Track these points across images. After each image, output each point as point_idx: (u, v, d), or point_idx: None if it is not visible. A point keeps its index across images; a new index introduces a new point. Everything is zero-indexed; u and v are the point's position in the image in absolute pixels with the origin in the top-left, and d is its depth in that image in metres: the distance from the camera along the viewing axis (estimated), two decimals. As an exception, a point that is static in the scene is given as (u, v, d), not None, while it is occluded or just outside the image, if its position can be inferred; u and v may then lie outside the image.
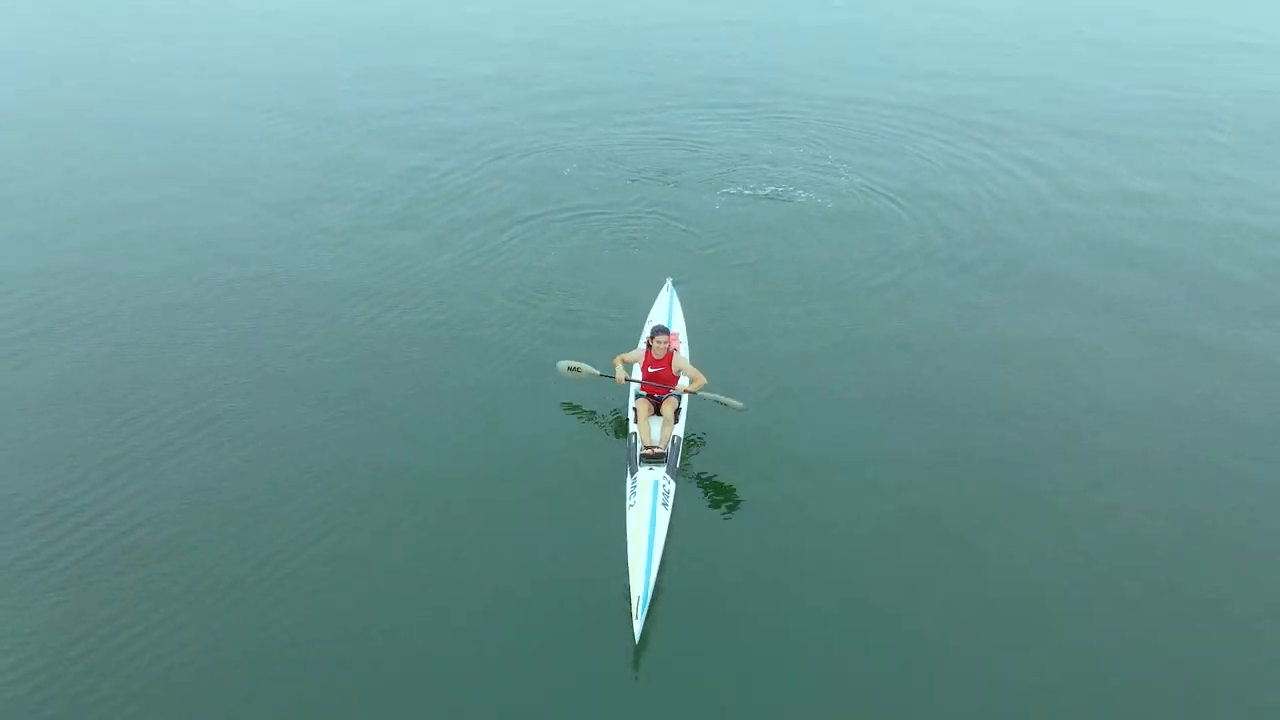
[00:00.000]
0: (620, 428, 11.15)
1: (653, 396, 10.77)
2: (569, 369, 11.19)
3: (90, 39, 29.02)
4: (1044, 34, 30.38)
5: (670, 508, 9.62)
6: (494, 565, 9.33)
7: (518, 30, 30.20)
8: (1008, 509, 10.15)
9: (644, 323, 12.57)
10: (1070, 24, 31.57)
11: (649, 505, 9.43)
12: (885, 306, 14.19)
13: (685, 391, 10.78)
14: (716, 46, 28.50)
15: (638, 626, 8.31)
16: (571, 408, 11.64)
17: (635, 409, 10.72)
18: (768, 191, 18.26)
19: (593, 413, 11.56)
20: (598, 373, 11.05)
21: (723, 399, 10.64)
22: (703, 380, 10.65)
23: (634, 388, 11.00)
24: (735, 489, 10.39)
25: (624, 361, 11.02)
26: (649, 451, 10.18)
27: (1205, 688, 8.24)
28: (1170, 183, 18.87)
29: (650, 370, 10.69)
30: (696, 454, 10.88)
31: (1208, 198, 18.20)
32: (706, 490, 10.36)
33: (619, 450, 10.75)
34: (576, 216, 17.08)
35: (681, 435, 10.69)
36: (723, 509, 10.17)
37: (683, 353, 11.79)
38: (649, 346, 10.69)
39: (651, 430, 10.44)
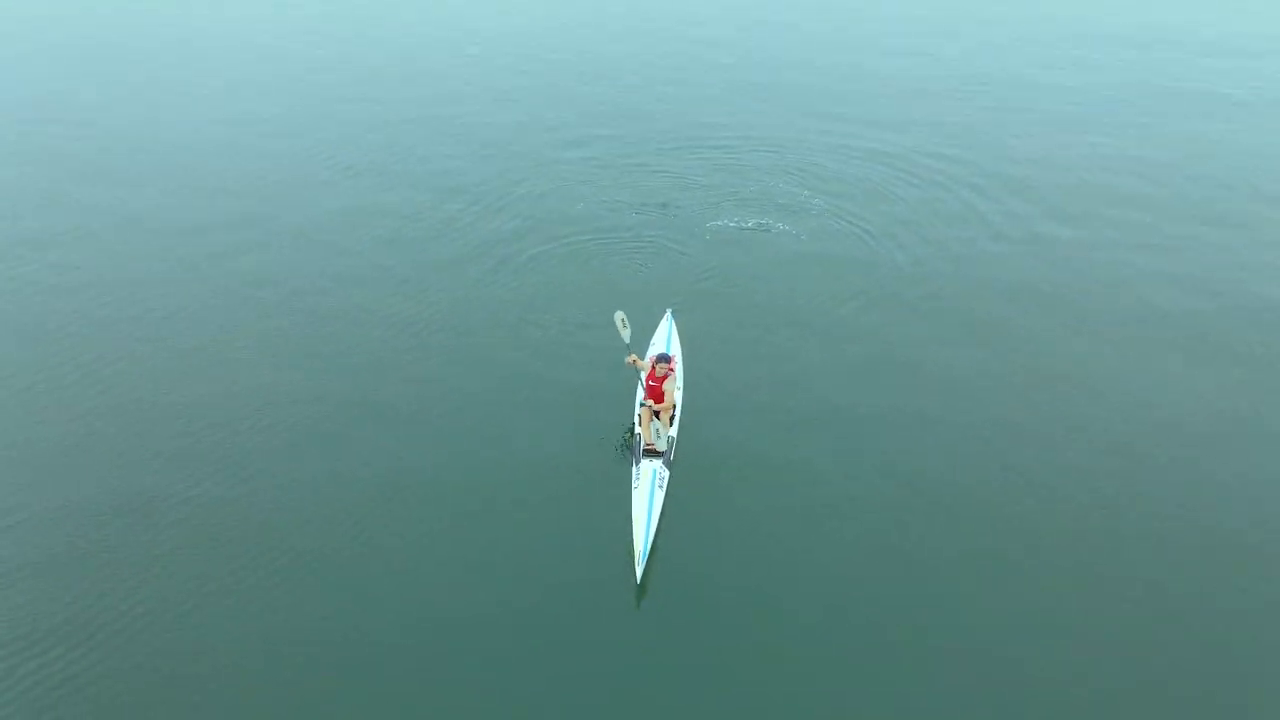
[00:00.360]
0: (628, 432, 14.11)
1: (653, 398, 13.67)
2: (621, 321, 14.11)
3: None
4: (1005, 79, 33.66)
5: (665, 490, 12.63)
6: (526, 531, 12.33)
7: (531, 77, 33.60)
8: (976, 490, 13.13)
9: (648, 344, 15.56)
10: (1024, 71, 34.88)
11: (649, 487, 12.44)
12: (848, 326, 17.33)
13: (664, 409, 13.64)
14: (706, 94, 31.88)
15: (639, 572, 11.34)
16: (586, 417, 14.61)
17: (640, 415, 13.70)
18: (751, 225, 21.45)
19: (603, 421, 14.53)
20: (627, 342, 14.02)
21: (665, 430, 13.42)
22: (672, 404, 13.65)
23: (639, 397, 13.98)
24: (719, 480, 13.38)
25: (636, 363, 13.93)
26: (650, 449, 13.16)
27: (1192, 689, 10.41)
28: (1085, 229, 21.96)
29: (650, 384, 13.67)
30: (688, 454, 13.85)
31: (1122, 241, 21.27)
32: (695, 479, 13.33)
33: (625, 450, 13.75)
34: (587, 244, 20.27)
35: (675, 436, 13.68)
36: (708, 494, 13.14)
37: (676, 374, 14.72)
38: (653, 367, 13.66)
39: (651, 431, 13.41)
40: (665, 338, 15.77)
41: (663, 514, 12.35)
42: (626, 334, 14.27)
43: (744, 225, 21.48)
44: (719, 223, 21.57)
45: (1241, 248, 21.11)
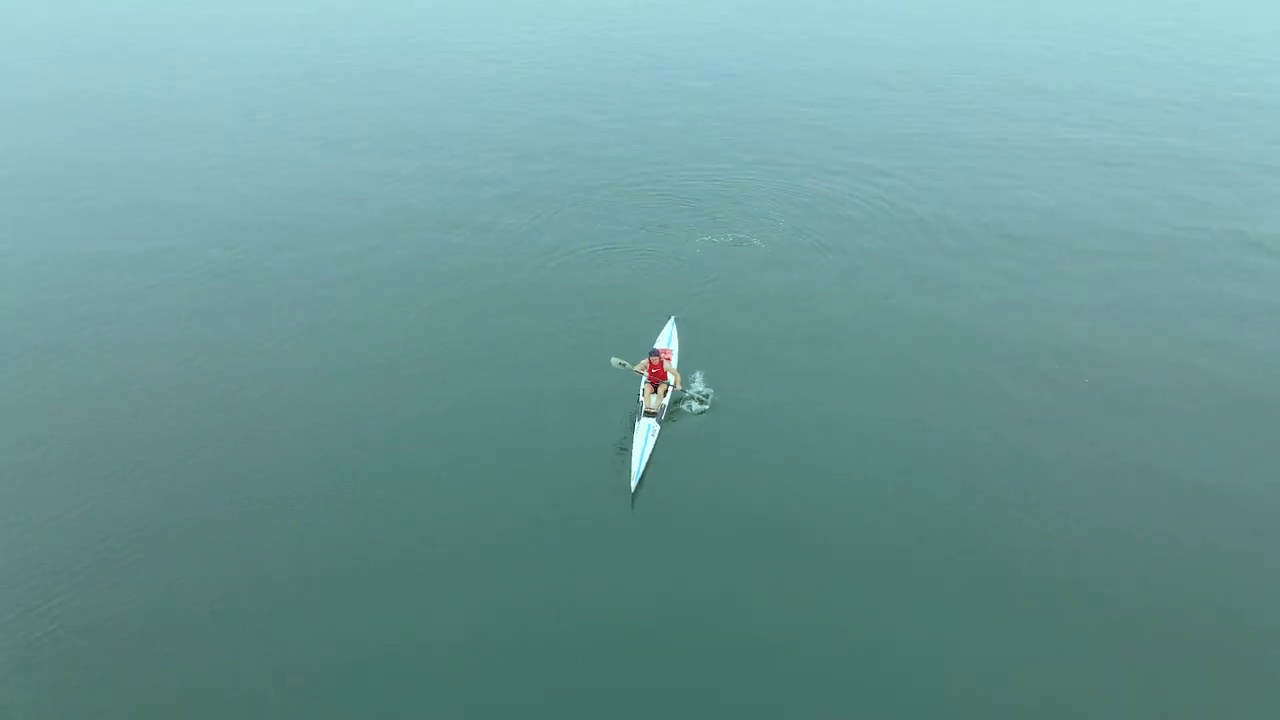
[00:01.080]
0: (633, 405, 19.47)
1: (653, 382, 19.04)
2: (618, 363, 19.45)
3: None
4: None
5: (656, 438, 17.95)
6: (555, 461, 17.72)
7: (555, 104, 39.62)
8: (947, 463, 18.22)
9: (653, 342, 20.93)
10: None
11: (645, 436, 17.78)
12: (812, 315, 22.61)
13: (671, 384, 19.02)
14: (705, 125, 37.61)
15: (633, 486, 16.72)
16: (599, 397, 19.96)
17: (643, 388, 19.06)
18: (729, 239, 26.88)
19: (610, 399, 19.86)
20: (634, 369, 19.36)
21: (684, 390, 18.91)
22: (679, 378, 19.05)
23: (643, 379, 19.34)
24: (697, 433, 18.65)
25: (636, 371, 19.31)
26: (648, 411, 18.49)
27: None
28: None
29: (651, 372, 19.03)
30: (674, 419, 19.13)
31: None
32: (679, 434, 18.61)
33: (629, 417, 19.10)
34: (601, 255, 25.90)
35: (666, 404, 18.99)
36: (688, 444, 18.40)
37: (673, 362, 20.06)
38: (649, 361, 19.03)
39: (650, 400, 18.74)
40: (667, 338, 21.11)
41: (652, 455, 17.66)
42: (626, 365, 19.35)
43: (725, 241, 26.96)
44: (708, 238, 27.09)
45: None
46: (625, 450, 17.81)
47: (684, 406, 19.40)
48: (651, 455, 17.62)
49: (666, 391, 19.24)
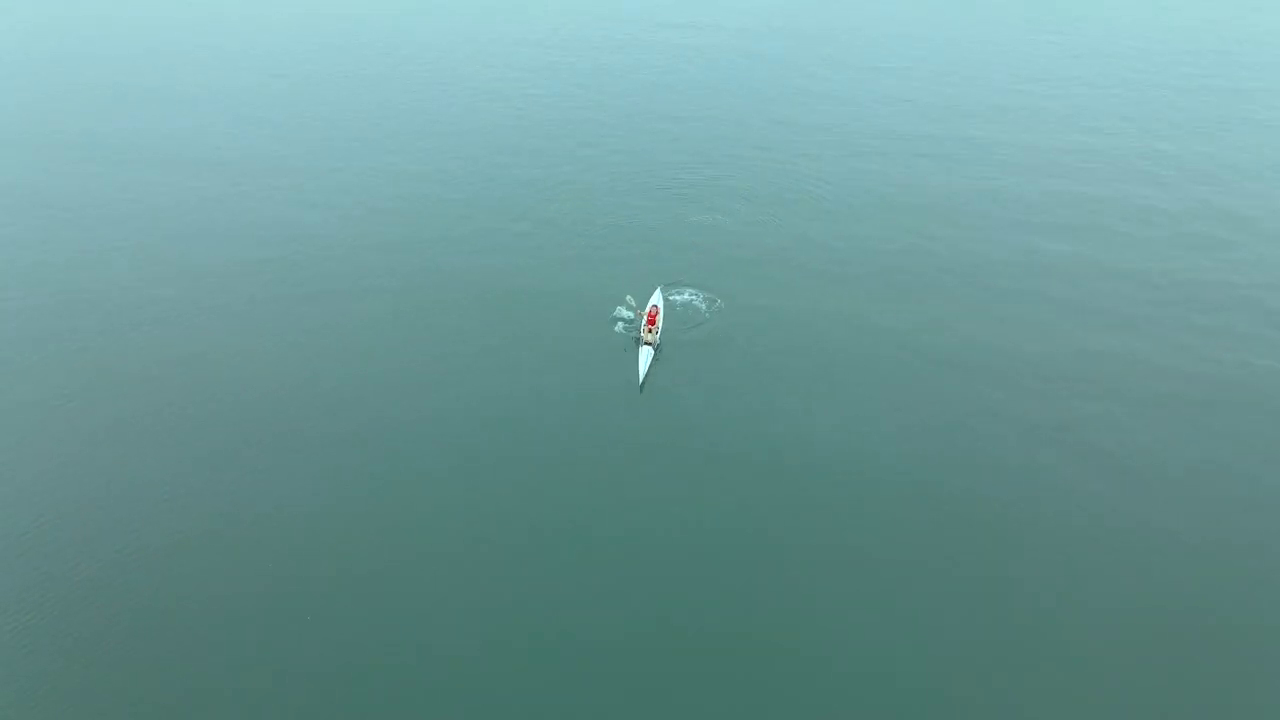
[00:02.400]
0: (635, 336, 31.44)
1: (650, 324, 31.03)
2: (630, 301, 31.43)
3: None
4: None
5: (652, 358, 30.08)
6: (577, 370, 29.85)
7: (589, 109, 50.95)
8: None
9: (648, 301, 32.83)
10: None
11: (645, 356, 29.97)
12: (763, 275, 34.66)
13: (658, 328, 31.15)
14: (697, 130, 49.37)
15: (639, 382, 29.47)
16: (608, 331, 31.85)
17: (643, 327, 31.12)
18: (708, 220, 38.80)
19: (618, 332, 31.77)
20: (639, 311, 31.40)
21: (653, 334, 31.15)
22: (657, 325, 31.19)
23: (643, 321, 31.31)
24: (684, 356, 30.75)
25: (639, 313, 31.34)
26: (646, 342, 30.51)
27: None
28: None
29: (650, 318, 31.13)
30: (666, 350, 31.11)
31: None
32: (670, 358, 30.65)
33: (633, 342, 31.08)
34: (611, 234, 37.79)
35: (658, 339, 31.02)
36: (677, 362, 30.47)
37: (660, 311, 32.07)
38: (649, 312, 31.06)
39: (646, 335, 30.77)
40: (657, 299, 33.09)
41: (650, 368, 29.69)
42: (633, 304, 31.48)
43: (703, 221, 38.95)
44: (693, 219, 39.09)
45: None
46: (633, 364, 29.82)
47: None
48: (650, 366, 29.69)
49: (656, 333, 31.24)
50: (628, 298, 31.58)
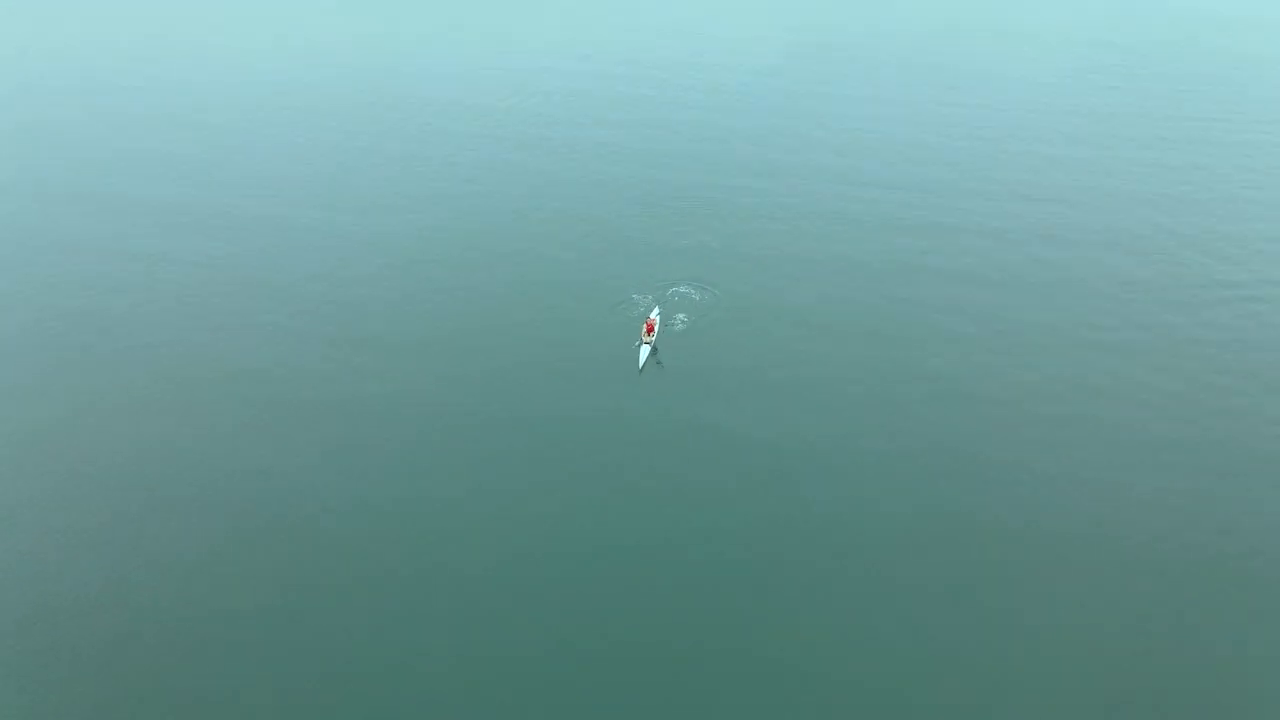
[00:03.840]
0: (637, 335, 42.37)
1: (648, 331, 41.93)
2: (647, 323, 42.40)
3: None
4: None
5: (649, 350, 40.98)
6: (587, 361, 40.59)
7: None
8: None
9: (648, 314, 43.78)
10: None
11: (645, 350, 40.84)
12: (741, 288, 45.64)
13: (654, 336, 42.07)
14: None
15: (640, 366, 40.43)
16: (615, 328, 42.68)
17: (642, 333, 42.00)
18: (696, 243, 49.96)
19: (624, 330, 42.62)
20: (647, 330, 42.39)
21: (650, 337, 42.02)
22: (654, 330, 42.15)
23: (644, 326, 42.26)
24: (677, 351, 41.58)
25: (649, 325, 42.31)
26: (645, 340, 41.41)
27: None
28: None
29: (648, 325, 42.07)
30: (663, 347, 41.92)
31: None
32: (666, 351, 41.46)
33: (635, 342, 41.93)
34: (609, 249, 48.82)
35: (655, 340, 41.90)
36: (672, 354, 41.28)
37: (656, 322, 42.99)
38: (649, 322, 42.02)
39: (645, 337, 41.64)
40: (654, 313, 44.02)
41: (648, 357, 40.51)
42: (654, 318, 42.52)
43: (706, 244, 50.00)
44: (686, 241, 50.09)
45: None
46: (634, 355, 40.61)
47: (671, 324, 43.15)
48: (647, 357, 40.49)
49: (653, 337, 42.16)
50: (645, 312, 43.14)
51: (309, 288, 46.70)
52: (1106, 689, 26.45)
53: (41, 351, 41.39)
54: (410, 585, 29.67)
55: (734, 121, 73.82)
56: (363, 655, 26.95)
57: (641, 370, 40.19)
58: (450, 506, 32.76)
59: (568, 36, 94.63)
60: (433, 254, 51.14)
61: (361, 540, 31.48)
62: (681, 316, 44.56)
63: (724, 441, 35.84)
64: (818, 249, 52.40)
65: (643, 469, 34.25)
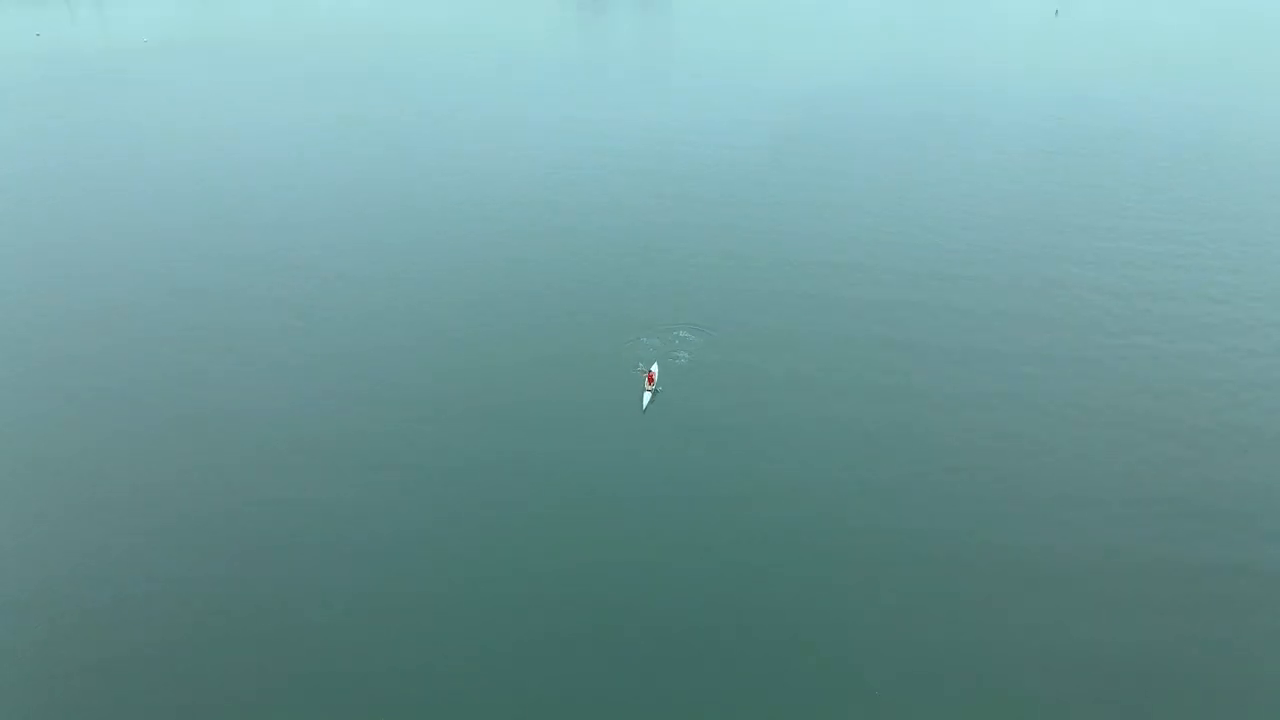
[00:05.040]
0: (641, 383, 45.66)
1: (649, 382, 45.30)
2: (646, 373, 45.72)
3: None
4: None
5: (653, 397, 44.12)
6: (596, 402, 43.75)
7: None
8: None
9: (650, 366, 47.23)
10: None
11: (649, 395, 44.02)
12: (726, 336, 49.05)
13: (657, 385, 45.40)
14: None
15: (644, 406, 43.23)
16: (622, 379, 46.07)
17: (644, 383, 45.27)
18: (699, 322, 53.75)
19: (629, 380, 45.95)
20: (646, 372, 45.70)
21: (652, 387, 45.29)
22: (655, 380, 45.46)
23: (645, 377, 45.65)
24: (676, 396, 44.70)
25: (650, 376, 45.67)
26: (648, 388, 44.68)
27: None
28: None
29: (650, 376, 45.41)
30: (663, 394, 45.13)
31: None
32: (667, 400, 44.60)
33: (639, 390, 45.19)
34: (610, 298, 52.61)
35: (658, 387, 45.16)
36: (671, 401, 44.40)
37: (656, 374, 46.39)
38: (650, 373, 45.42)
39: (647, 385, 44.91)
40: (654, 367, 47.50)
41: (650, 399, 43.68)
42: (653, 370, 46.02)
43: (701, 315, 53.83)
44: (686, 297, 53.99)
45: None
46: (639, 399, 43.78)
47: (672, 359, 46.56)
48: (650, 399, 43.65)
49: (655, 385, 45.45)
50: (639, 366, 46.34)
51: (317, 326, 50.37)
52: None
53: (178, 445, 45.00)
54: (411, 623, 31.58)
55: (736, 187, 79.93)
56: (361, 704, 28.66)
57: (645, 409, 43.36)
58: (461, 544, 35.62)
59: (570, 117, 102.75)
60: (445, 299, 55.91)
61: (361, 579, 33.54)
62: (684, 354, 48.53)
63: (719, 478, 38.90)
64: (814, 297, 56.53)
65: (644, 503, 37.21)
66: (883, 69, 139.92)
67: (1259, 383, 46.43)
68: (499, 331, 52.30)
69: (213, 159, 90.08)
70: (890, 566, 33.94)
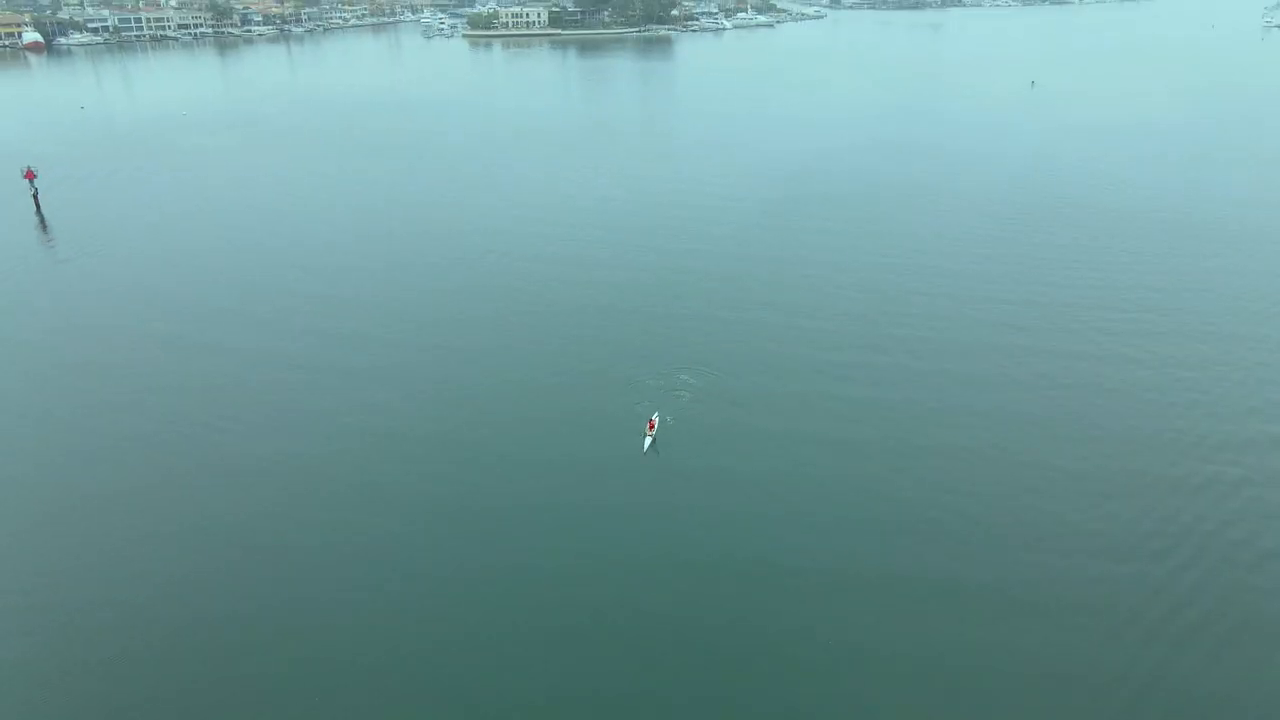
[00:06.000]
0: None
1: (650, 428, 53.45)
2: (647, 421, 53.87)
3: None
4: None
5: (653, 442, 52.23)
6: (600, 442, 51.85)
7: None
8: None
9: (650, 416, 55.32)
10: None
11: (649, 439, 52.14)
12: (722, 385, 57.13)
13: (653, 427, 53.53)
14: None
15: (645, 449, 51.28)
16: (628, 418, 54.17)
17: (649, 425, 53.37)
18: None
19: (635, 419, 54.04)
20: (649, 427, 53.85)
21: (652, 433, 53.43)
22: (654, 428, 53.60)
23: (647, 424, 53.82)
24: (675, 442, 52.74)
25: (650, 424, 53.80)
26: (648, 434, 52.77)
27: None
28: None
29: (651, 424, 53.56)
30: (661, 436, 53.17)
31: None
32: (664, 443, 52.63)
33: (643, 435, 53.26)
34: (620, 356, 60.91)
35: (656, 434, 53.23)
36: (669, 439, 52.43)
37: (656, 423, 54.50)
38: (651, 422, 53.56)
39: (648, 430, 53.00)
40: (654, 415, 55.61)
41: (651, 445, 51.74)
42: (654, 419, 54.21)
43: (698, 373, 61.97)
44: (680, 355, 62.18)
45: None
46: (640, 444, 51.84)
47: (673, 396, 55.26)
48: (651, 443, 51.71)
49: (654, 432, 53.51)
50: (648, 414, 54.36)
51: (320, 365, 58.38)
52: None
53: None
54: (414, 668, 35.21)
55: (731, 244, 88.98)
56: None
57: (646, 452, 51.22)
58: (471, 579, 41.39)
59: (576, 179, 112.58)
60: (453, 343, 64.48)
61: (362, 626, 37.56)
62: (686, 394, 56.66)
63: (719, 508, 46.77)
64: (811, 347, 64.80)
65: (644, 537, 44.25)
66: (873, 132, 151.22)
67: (1226, 443, 52.25)
68: (506, 377, 60.59)
69: (268, 212, 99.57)
70: (891, 604, 38.45)
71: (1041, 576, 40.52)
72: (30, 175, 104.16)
